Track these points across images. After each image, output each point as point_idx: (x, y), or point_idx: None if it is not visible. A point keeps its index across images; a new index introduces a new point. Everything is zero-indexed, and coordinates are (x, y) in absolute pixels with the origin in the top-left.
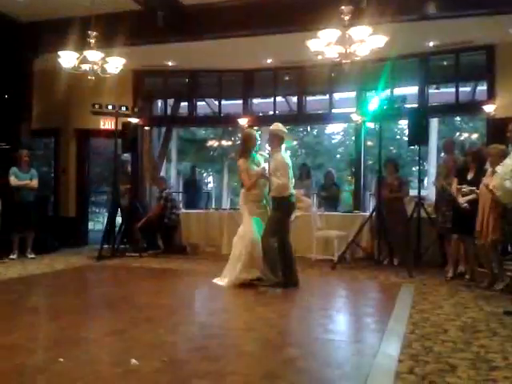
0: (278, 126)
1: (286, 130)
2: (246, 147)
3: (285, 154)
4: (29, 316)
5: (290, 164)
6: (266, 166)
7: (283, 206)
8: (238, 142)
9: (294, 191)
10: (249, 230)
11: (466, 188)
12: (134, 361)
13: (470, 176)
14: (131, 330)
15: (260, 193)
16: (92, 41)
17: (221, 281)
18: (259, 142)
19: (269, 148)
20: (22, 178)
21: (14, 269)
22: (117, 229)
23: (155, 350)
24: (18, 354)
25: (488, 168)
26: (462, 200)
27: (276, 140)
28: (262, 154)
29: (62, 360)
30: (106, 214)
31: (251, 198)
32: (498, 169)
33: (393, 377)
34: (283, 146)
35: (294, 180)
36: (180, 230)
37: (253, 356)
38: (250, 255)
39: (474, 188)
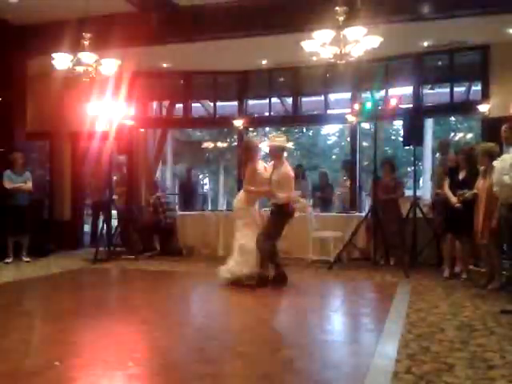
0: (276, 140)
1: (283, 139)
2: (249, 155)
3: (288, 166)
4: (24, 319)
5: (293, 175)
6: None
7: (284, 212)
8: (235, 144)
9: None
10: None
11: (468, 193)
12: (56, 363)
13: (461, 176)
14: (127, 332)
15: (255, 198)
16: (86, 43)
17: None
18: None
19: (272, 161)
20: (17, 181)
21: (9, 273)
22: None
23: (152, 352)
24: (12, 358)
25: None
26: (454, 200)
27: (277, 152)
28: (264, 165)
29: (57, 363)
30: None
31: (248, 200)
32: (497, 164)
33: (390, 377)
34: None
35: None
36: (176, 232)
37: (250, 357)
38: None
39: (474, 191)
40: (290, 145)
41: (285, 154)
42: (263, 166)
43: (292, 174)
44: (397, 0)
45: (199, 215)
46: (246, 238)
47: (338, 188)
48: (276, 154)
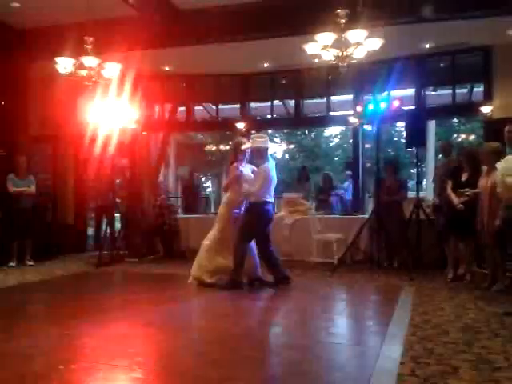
0: (256, 141)
1: (264, 140)
2: (236, 155)
3: (268, 166)
4: (28, 323)
5: (272, 176)
6: (249, 174)
7: (255, 212)
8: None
9: (272, 199)
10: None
11: (469, 192)
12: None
13: (464, 177)
14: (131, 336)
15: (235, 198)
16: (88, 46)
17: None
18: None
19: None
20: (20, 185)
21: (13, 276)
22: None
23: (156, 356)
24: (18, 362)
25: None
26: (456, 201)
27: (259, 153)
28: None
29: (62, 367)
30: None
31: (227, 201)
32: (499, 165)
33: (395, 379)
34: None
35: (272, 190)
36: (179, 235)
37: (255, 360)
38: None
39: (477, 191)
40: (267, 144)
41: (269, 154)
42: (252, 169)
43: (265, 173)
44: (398, 2)
45: (202, 218)
46: (206, 249)
47: (337, 190)
48: (258, 154)
